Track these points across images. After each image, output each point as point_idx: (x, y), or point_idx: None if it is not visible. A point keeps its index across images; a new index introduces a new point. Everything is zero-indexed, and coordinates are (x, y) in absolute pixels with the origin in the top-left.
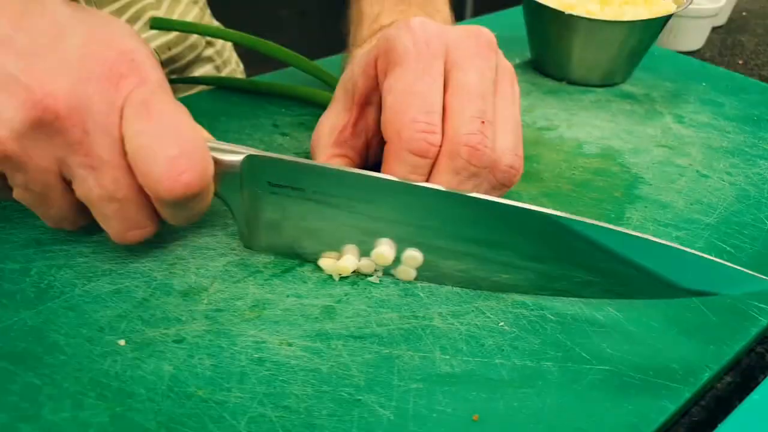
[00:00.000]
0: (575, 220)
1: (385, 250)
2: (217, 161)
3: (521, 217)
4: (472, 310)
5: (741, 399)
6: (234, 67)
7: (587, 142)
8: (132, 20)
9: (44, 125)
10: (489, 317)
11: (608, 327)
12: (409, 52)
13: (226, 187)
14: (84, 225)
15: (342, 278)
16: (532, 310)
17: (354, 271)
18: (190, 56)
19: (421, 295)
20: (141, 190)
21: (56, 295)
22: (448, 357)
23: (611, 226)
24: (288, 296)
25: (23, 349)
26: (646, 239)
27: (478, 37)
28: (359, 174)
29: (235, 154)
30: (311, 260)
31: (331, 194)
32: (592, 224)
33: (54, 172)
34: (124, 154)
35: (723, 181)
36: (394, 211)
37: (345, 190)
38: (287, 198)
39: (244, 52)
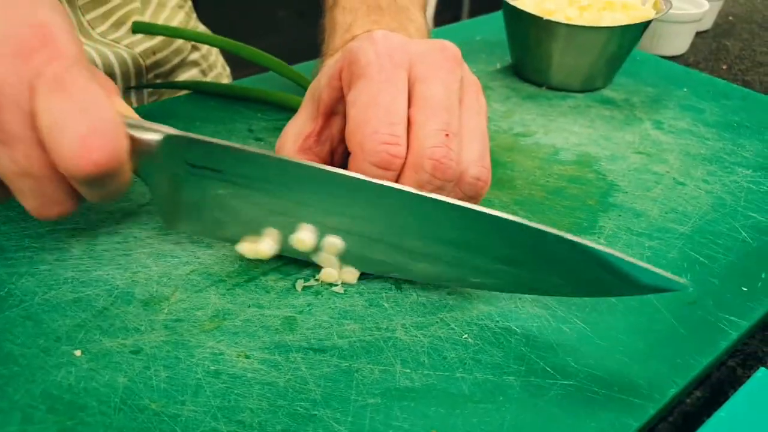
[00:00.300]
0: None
1: (305, 235)
2: (134, 139)
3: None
4: (437, 322)
5: (710, 414)
6: (220, 71)
7: (564, 148)
8: (117, 25)
9: None
10: (453, 329)
11: (574, 340)
12: (372, 64)
13: (145, 166)
14: (4, 201)
15: (305, 288)
16: (497, 321)
17: (318, 280)
18: (175, 60)
19: (386, 305)
20: (54, 167)
21: (15, 303)
22: (408, 370)
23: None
24: (249, 306)
25: None
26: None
27: (442, 51)
28: (278, 158)
29: (154, 133)
30: (231, 243)
31: (250, 177)
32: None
33: None
34: (36, 129)
35: (699, 189)
36: (313, 197)
37: (263, 172)
38: (207, 180)
39: (230, 56)
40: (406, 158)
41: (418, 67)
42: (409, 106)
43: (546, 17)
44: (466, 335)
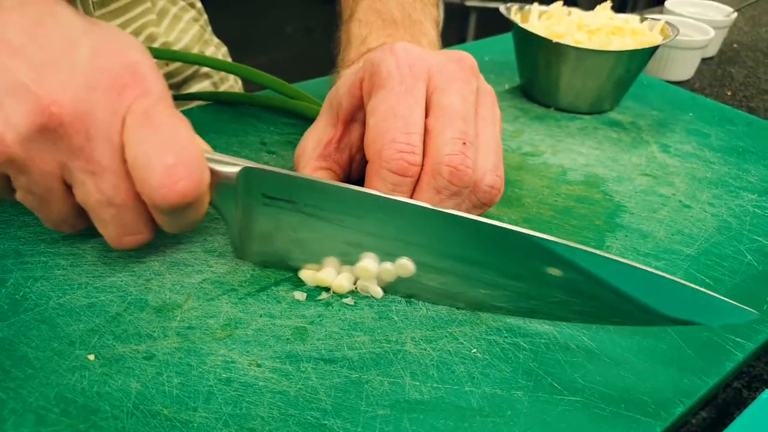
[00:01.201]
0: (557, 242)
1: (369, 263)
2: (213, 172)
3: (503, 236)
4: (446, 336)
5: None
6: (232, 84)
7: (571, 169)
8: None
9: (49, 131)
10: (462, 343)
11: (581, 357)
12: (393, 75)
13: (222, 197)
14: (82, 228)
15: (316, 299)
16: (506, 337)
17: (328, 290)
18: (188, 72)
19: (395, 318)
20: (138, 197)
21: (30, 307)
22: (417, 383)
23: (592, 250)
24: (261, 316)
25: None
26: (629, 264)
27: (459, 62)
28: (350, 189)
29: (231, 166)
30: (295, 271)
31: (323, 208)
32: (573, 247)
33: (56, 176)
34: (124, 161)
35: (705, 212)
36: (381, 226)
37: (336, 204)
38: (280, 210)
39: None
40: (423, 165)
41: (436, 78)
42: (426, 116)
43: (555, 40)
44: (474, 350)
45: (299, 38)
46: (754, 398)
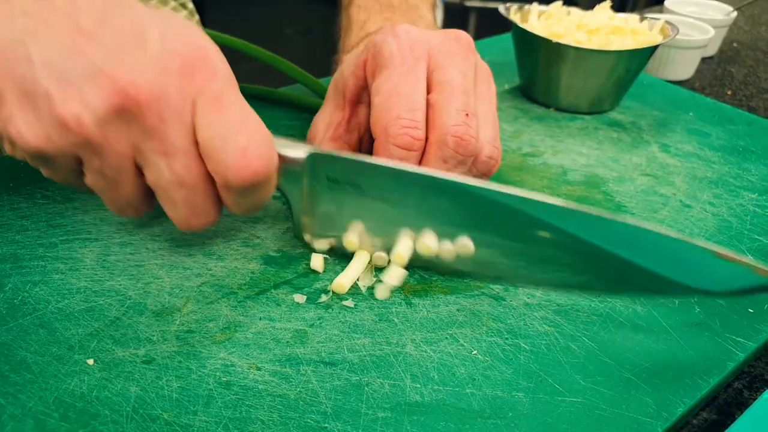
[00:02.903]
0: (584, 212)
1: (430, 241)
2: (281, 156)
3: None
4: (446, 338)
5: None
6: None
7: (572, 169)
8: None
9: (125, 113)
10: (463, 345)
11: (582, 358)
12: (395, 56)
13: (288, 180)
14: (146, 212)
15: (316, 302)
16: (507, 338)
17: (328, 292)
18: None
19: (396, 320)
20: (207, 178)
21: (29, 311)
22: (418, 385)
23: (599, 213)
24: (260, 319)
25: None
26: (645, 229)
27: (457, 40)
28: (412, 171)
29: (299, 150)
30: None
31: (385, 189)
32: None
33: (129, 158)
34: (195, 143)
35: (706, 211)
36: (440, 206)
37: (397, 185)
38: (344, 193)
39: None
40: (428, 138)
41: (437, 56)
42: (429, 92)
43: (555, 40)
44: (475, 351)
45: (298, 40)
46: (755, 398)
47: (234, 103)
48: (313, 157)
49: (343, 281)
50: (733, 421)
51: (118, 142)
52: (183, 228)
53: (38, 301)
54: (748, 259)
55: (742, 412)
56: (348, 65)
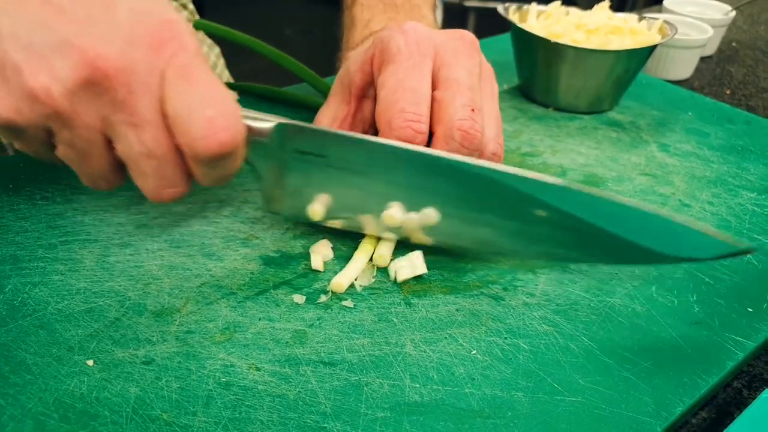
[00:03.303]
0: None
1: (394, 212)
2: (248, 128)
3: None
4: (446, 338)
5: None
6: (219, 71)
7: (571, 169)
8: None
9: (94, 84)
10: (462, 345)
11: (581, 357)
12: (402, 51)
13: (256, 152)
14: (118, 185)
15: (315, 302)
16: (506, 338)
17: (327, 292)
18: None
19: (395, 320)
20: (177, 150)
21: (29, 312)
22: (417, 385)
23: (585, 189)
24: (260, 319)
25: None
26: (620, 203)
27: (462, 39)
28: (379, 142)
29: (265, 122)
30: (325, 223)
31: (352, 161)
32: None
33: (98, 130)
34: (163, 115)
35: (705, 210)
36: (407, 177)
37: (364, 157)
38: (311, 164)
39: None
40: (435, 133)
41: (442, 54)
42: (434, 89)
43: (554, 40)
44: (474, 351)
45: (298, 40)
46: (754, 398)
47: (201, 76)
48: (281, 128)
49: (341, 280)
50: (732, 420)
51: (87, 113)
52: (154, 199)
53: (38, 303)
54: (725, 235)
55: (741, 412)
56: (354, 61)
